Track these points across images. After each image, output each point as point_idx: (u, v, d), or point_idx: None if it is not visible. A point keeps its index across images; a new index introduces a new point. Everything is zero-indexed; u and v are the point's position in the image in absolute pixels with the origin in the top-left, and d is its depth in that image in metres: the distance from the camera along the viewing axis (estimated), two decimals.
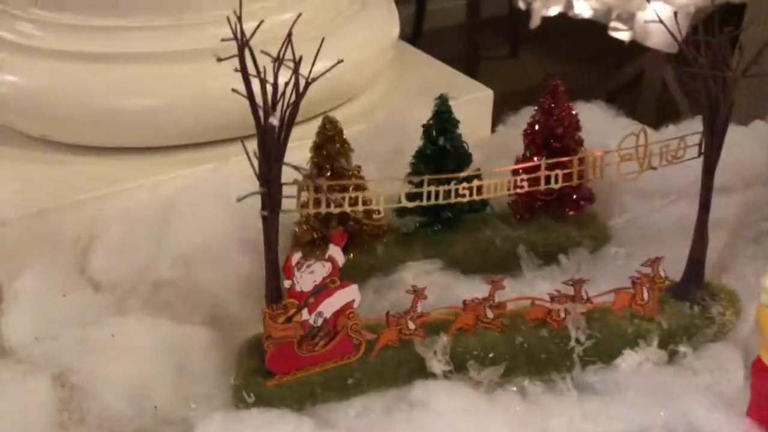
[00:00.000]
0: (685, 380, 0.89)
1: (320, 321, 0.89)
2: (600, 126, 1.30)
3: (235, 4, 0.77)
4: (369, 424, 0.85)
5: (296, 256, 0.87)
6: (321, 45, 0.80)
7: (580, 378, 0.93)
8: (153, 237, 1.07)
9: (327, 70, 0.79)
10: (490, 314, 0.94)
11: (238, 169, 1.00)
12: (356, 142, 1.30)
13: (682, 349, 0.94)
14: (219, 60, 0.75)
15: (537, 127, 1.14)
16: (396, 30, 1.50)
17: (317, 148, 1.04)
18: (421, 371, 0.92)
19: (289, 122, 0.80)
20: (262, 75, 0.77)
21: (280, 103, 0.79)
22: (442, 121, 1.11)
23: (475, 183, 0.94)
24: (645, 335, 0.95)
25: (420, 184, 0.93)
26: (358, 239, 1.10)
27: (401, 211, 1.15)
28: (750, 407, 0.83)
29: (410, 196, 0.96)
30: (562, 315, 0.94)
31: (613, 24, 2.46)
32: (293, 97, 0.80)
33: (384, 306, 1.01)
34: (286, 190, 0.86)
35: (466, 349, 0.93)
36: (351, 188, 1.04)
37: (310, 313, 0.88)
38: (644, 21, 2.28)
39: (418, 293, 0.92)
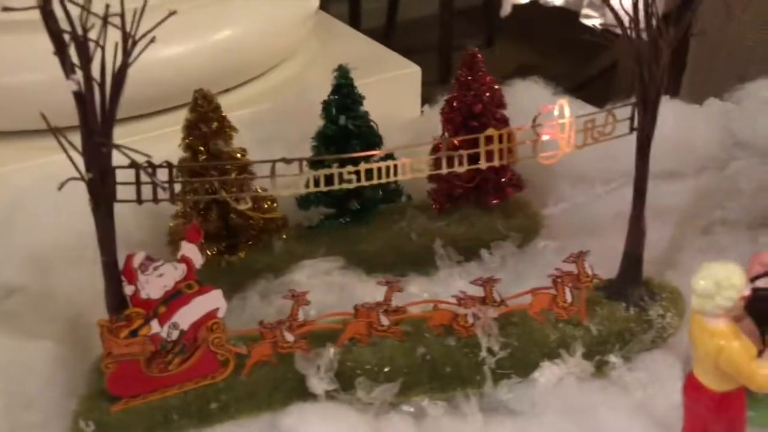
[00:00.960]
0: (612, 398, 0.74)
1: (175, 334, 0.74)
2: (534, 105, 1.16)
3: None
4: None
5: (139, 257, 0.72)
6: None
7: (491, 395, 0.78)
8: (1, 234, 0.91)
9: (156, 25, 0.63)
10: (384, 321, 0.79)
11: None
12: (260, 123, 1.16)
13: (612, 359, 0.80)
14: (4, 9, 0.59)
15: (454, 104, 0.99)
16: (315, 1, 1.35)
17: (189, 127, 0.89)
18: (302, 392, 0.77)
19: (114, 91, 0.65)
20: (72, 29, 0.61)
21: (103, 68, 0.64)
22: (342, 96, 0.95)
23: (366, 166, 0.79)
24: (569, 344, 0.81)
25: (317, 165, 0.77)
26: (246, 235, 0.95)
27: (304, 202, 1.00)
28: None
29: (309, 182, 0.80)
30: (471, 320, 0.79)
31: (585, 11, 2.36)
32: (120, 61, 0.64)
33: (270, 313, 0.86)
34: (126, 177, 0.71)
35: (357, 363, 0.78)
36: (233, 174, 0.90)
37: (161, 324, 0.73)
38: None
39: (297, 298, 0.78)
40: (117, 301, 0.73)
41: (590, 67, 2.62)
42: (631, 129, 0.82)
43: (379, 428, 0.72)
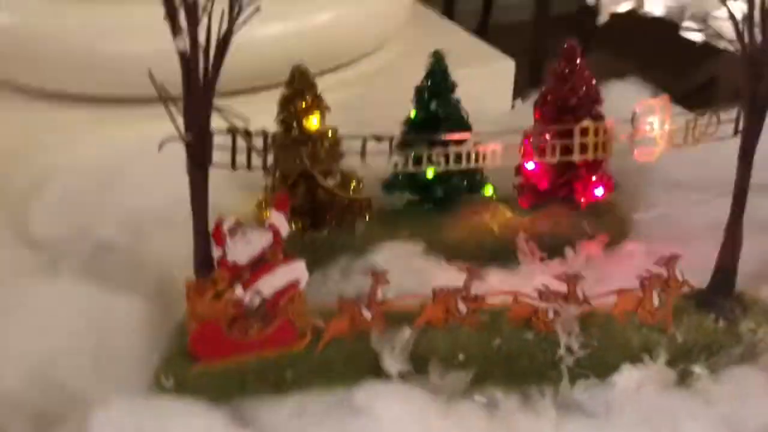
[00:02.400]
0: (695, 409, 0.71)
1: (257, 301, 0.75)
2: (631, 107, 1.12)
3: None
4: (299, 428, 0.71)
5: (229, 221, 0.73)
6: None
7: (566, 394, 0.76)
8: (101, 195, 0.95)
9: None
10: (462, 308, 0.78)
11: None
12: (352, 108, 1.16)
13: (696, 369, 0.77)
14: None
15: (549, 97, 0.97)
16: None
17: (284, 102, 0.90)
18: (375, 370, 0.77)
19: (218, 56, 0.66)
20: None
21: (208, 32, 0.66)
22: (436, 82, 0.95)
23: (455, 149, 0.78)
24: (652, 349, 0.78)
25: (406, 148, 0.77)
26: (331, 213, 0.96)
27: (389, 186, 1.00)
28: None
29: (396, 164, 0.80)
30: (551, 316, 0.78)
31: (686, 23, 2.29)
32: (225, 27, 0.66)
33: (349, 291, 0.86)
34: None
35: (432, 347, 0.78)
36: (323, 151, 0.91)
37: (244, 290, 0.75)
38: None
39: (378, 277, 0.78)
40: (205, 264, 0.75)
41: (689, 81, 2.53)
42: (735, 132, 0.78)
43: (449, 415, 0.71)
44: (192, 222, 0.73)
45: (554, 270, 0.94)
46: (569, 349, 0.78)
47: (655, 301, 0.78)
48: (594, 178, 0.99)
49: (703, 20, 2.26)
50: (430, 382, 0.75)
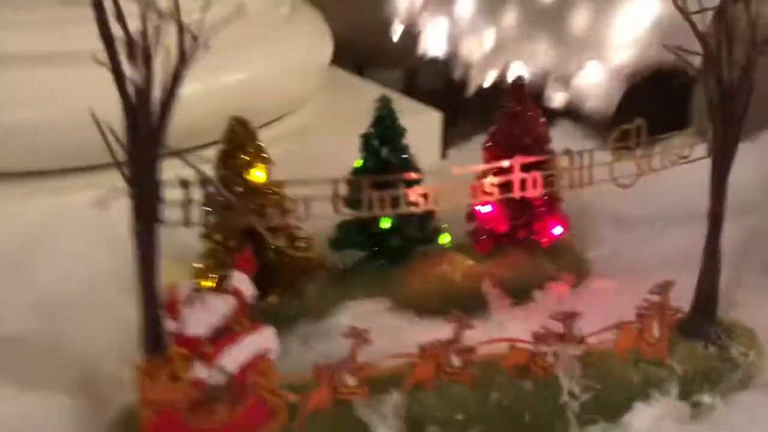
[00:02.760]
0: None
1: (222, 379, 0.64)
2: (570, 145, 1.11)
3: None
4: None
5: (185, 288, 0.62)
6: None
7: None
8: (6, 279, 0.80)
9: (220, 23, 0.56)
10: (456, 362, 0.70)
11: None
12: (285, 162, 1.08)
13: (706, 400, 0.72)
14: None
15: (498, 138, 0.93)
16: (327, 52, 1.32)
17: (223, 157, 0.81)
18: None
19: (170, 93, 0.57)
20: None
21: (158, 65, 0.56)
22: (385, 128, 0.89)
23: (428, 188, 0.71)
24: (657, 384, 0.73)
25: (357, 187, 0.69)
26: (282, 277, 0.86)
27: (338, 243, 0.92)
28: None
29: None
30: (551, 360, 0.71)
31: (551, 87, 2.39)
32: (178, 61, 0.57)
33: (312, 360, 0.76)
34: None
35: (425, 410, 0.69)
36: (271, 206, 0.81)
37: (206, 367, 0.63)
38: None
39: (358, 336, 0.68)
40: (154, 340, 0.63)
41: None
42: (709, 153, 0.77)
43: None
44: (139, 292, 0.62)
45: (526, 315, 0.88)
46: (572, 394, 0.71)
47: (656, 332, 0.72)
48: (552, 218, 0.95)
49: (566, 82, 2.36)
50: None
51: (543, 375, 0.71)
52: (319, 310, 0.84)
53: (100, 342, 0.79)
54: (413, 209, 0.71)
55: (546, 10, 1.51)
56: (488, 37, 1.60)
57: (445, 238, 0.95)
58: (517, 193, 0.74)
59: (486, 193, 0.73)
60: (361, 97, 1.33)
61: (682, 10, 0.71)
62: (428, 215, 0.92)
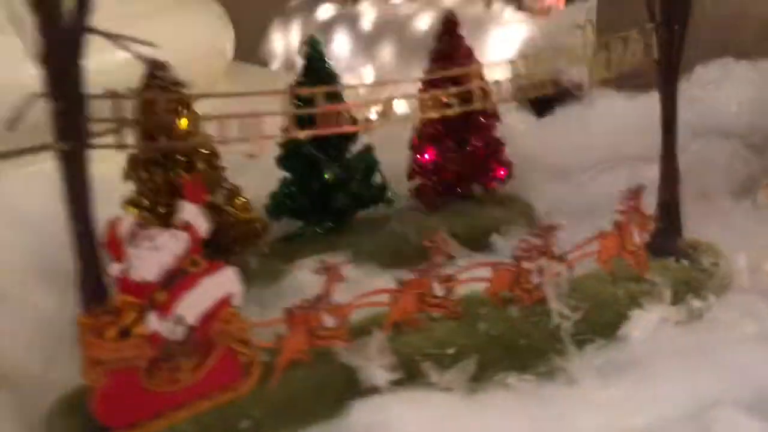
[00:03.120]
0: (726, 335, 0.62)
1: (181, 331, 0.54)
2: None
3: None
4: None
5: (126, 223, 0.52)
6: None
7: (579, 364, 0.63)
8: None
9: None
10: (438, 290, 0.63)
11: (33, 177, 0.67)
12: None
13: (697, 303, 0.69)
14: None
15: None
16: (229, 43, 1.26)
17: (146, 103, 0.70)
18: (355, 391, 0.58)
19: None
20: None
21: None
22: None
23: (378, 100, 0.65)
24: (642, 297, 0.69)
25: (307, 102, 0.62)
26: (222, 239, 0.76)
27: (275, 209, 0.83)
28: None
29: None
30: (535, 280, 0.65)
31: None
32: None
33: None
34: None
35: (414, 349, 0.61)
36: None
37: (162, 318, 0.53)
38: None
39: (331, 272, 0.60)
40: (95, 289, 0.52)
41: None
42: (656, 56, 0.75)
43: (473, 408, 0.54)
44: (71, 229, 0.51)
45: (488, 259, 0.83)
46: (562, 315, 0.65)
47: (636, 239, 0.69)
48: (497, 164, 0.91)
49: None
50: (432, 382, 0.58)
51: (528, 299, 0.66)
52: (271, 271, 0.75)
53: (15, 338, 0.66)
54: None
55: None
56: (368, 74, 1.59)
57: (390, 195, 0.89)
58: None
59: (445, 105, 0.67)
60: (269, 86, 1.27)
61: None
62: (372, 168, 0.86)
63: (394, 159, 0.92)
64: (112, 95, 0.52)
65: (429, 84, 0.85)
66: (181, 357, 0.54)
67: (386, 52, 1.64)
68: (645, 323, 0.64)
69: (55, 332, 0.69)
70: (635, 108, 1.19)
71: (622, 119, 1.15)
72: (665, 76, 0.76)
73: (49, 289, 0.72)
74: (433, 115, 0.69)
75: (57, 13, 0.46)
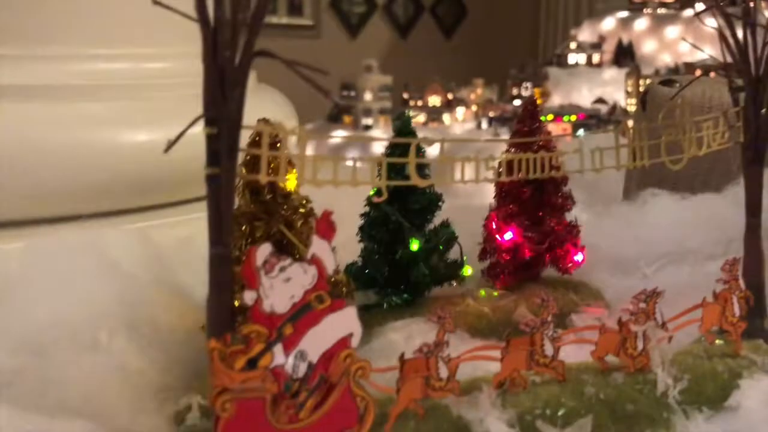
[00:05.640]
0: None
1: (303, 368, 0.53)
2: None
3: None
4: None
5: (263, 250, 0.52)
6: None
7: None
8: None
9: None
10: (549, 349, 0.62)
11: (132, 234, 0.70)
12: None
13: None
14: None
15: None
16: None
17: (251, 161, 0.72)
18: None
19: (257, 15, 0.51)
20: None
21: None
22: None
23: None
24: (739, 372, 0.68)
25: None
26: None
27: (356, 276, 0.83)
28: None
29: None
30: (639, 347, 0.65)
31: None
32: None
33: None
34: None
35: (524, 408, 0.60)
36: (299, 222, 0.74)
37: (286, 352, 0.52)
38: None
39: (443, 322, 0.60)
40: (224, 315, 0.51)
41: None
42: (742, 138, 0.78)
43: None
44: (208, 250, 0.51)
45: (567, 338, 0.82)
46: (668, 383, 0.64)
47: (737, 310, 0.69)
48: (573, 245, 0.92)
49: None
50: None
51: (632, 365, 0.64)
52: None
53: (101, 386, 0.65)
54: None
55: None
56: None
57: (467, 270, 0.89)
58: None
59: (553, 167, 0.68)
60: None
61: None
62: (450, 242, 0.87)
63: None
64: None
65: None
66: (302, 395, 0.52)
67: None
68: (757, 393, 0.63)
69: (142, 384, 0.68)
70: (689, 206, 1.22)
71: (678, 215, 1.16)
72: (750, 158, 0.78)
73: (138, 342, 0.71)
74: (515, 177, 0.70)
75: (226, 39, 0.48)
